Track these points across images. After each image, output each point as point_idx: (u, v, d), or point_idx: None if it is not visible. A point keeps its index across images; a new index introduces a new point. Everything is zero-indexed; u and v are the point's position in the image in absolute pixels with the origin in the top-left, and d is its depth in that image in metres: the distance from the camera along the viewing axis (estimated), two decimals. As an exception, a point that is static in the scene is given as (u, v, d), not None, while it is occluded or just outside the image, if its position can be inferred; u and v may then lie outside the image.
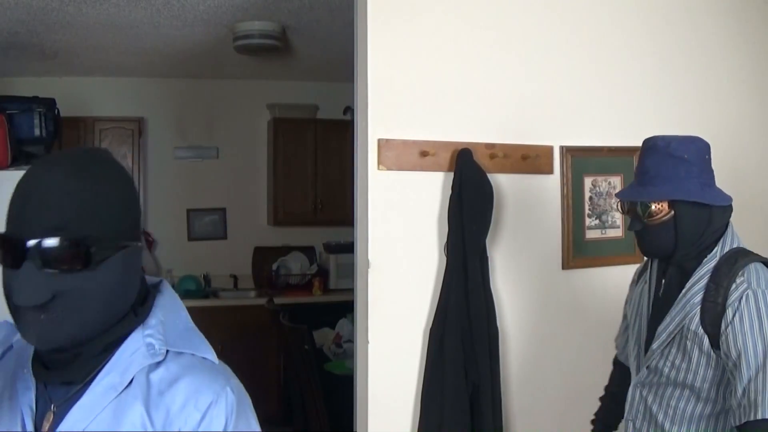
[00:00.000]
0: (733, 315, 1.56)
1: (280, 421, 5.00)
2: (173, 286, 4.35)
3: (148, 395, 1.00)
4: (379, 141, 2.50)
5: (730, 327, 1.56)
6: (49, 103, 3.83)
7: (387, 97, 2.52)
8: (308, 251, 5.75)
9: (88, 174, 0.98)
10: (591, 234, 2.79)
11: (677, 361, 1.66)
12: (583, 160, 2.75)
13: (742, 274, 1.59)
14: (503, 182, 2.65)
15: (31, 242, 0.94)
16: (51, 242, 0.94)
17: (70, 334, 0.97)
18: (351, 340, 3.91)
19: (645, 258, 1.89)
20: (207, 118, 5.65)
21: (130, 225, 1.02)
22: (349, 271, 3.81)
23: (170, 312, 1.09)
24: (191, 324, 1.12)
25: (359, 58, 2.58)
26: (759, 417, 1.49)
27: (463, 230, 2.49)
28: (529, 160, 2.68)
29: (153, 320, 1.06)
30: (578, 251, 2.75)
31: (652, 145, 1.70)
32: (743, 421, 1.51)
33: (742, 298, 1.56)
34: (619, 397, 1.93)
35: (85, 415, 0.98)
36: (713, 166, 1.75)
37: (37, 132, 3.69)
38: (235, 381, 1.06)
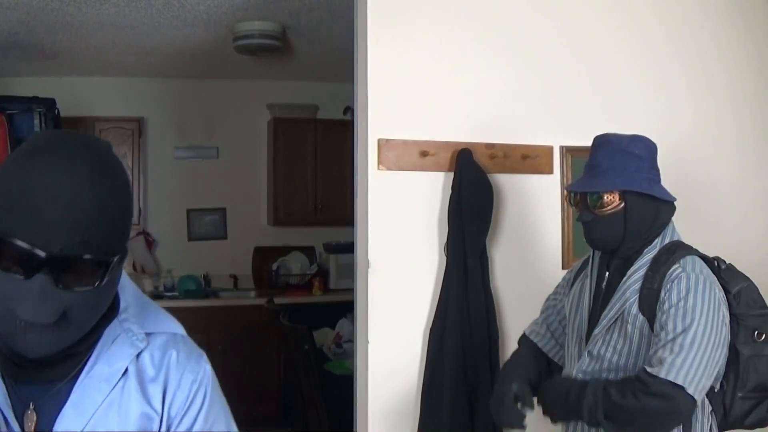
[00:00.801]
0: (666, 294, 1.63)
1: (280, 421, 5.00)
2: (173, 287, 4.37)
3: (144, 383, 1.02)
4: (379, 141, 2.50)
5: (661, 304, 1.63)
6: (49, 103, 3.83)
7: (387, 97, 2.52)
8: (308, 251, 5.75)
9: (108, 178, 0.90)
10: (590, 234, 2.79)
11: (618, 346, 1.71)
12: (583, 160, 2.72)
13: (680, 263, 1.65)
14: (503, 182, 2.66)
15: (48, 255, 0.85)
16: (75, 260, 0.87)
17: (67, 343, 0.93)
18: (351, 340, 3.91)
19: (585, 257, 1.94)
20: (207, 118, 5.65)
21: (130, 229, 0.98)
22: (349, 271, 3.81)
23: (128, 290, 1.06)
24: (145, 296, 1.11)
25: (359, 58, 2.58)
26: (661, 376, 1.55)
27: (463, 230, 2.49)
28: (529, 160, 2.68)
29: (122, 304, 1.04)
30: (578, 251, 2.74)
31: (604, 140, 1.77)
32: (646, 369, 1.58)
33: (675, 279, 1.63)
34: (538, 352, 1.96)
35: (83, 412, 0.96)
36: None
37: (37, 132, 3.70)
38: (203, 353, 1.10)
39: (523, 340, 2.07)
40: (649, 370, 1.58)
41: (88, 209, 0.87)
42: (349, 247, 3.35)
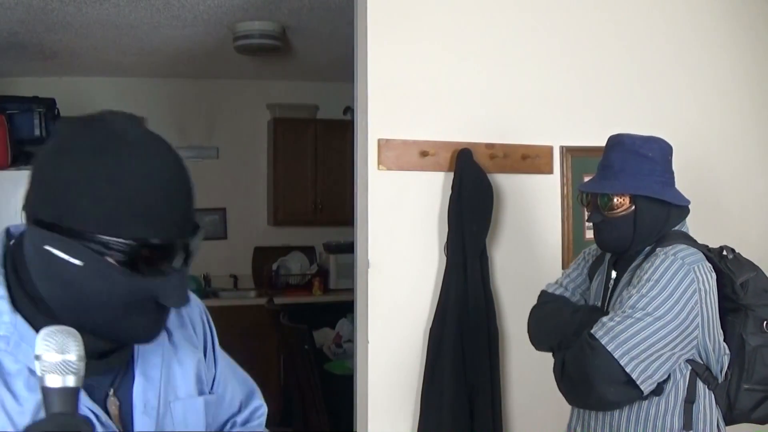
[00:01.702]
0: (639, 273, 1.63)
1: (280, 421, 4.99)
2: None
3: (185, 331, 1.08)
4: (379, 141, 2.50)
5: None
6: (49, 103, 3.83)
7: (387, 97, 2.52)
8: (308, 251, 5.75)
9: (178, 155, 0.92)
10: (591, 234, 2.78)
11: None
12: (583, 160, 2.75)
13: (659, 250, 1.64)
14: (503, 182, 2.66)
15: (185, 245, 0.89)
16: (196, 239, 0.91)
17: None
18: (351, 340, 3.91)
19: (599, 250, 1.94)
20: (207, 118, 5.65)
21: None
22: (349, 271, 3.81)
23: None
24: None
25: (359, 58, 2.58)
26: (595, 334, 1.56)
27: (463, 230, 2.49)
28: (529, 160, 2.68)
29: None
30: (578, 251, 2.73)
31: (618, 141, 1.74)
32: (590, 331, 1.59)
33: (651, 260, 1.62)
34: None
35: (151, 378, 0.99)
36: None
37: (37, 132, 3.71)
38: None
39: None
40: (590, 331, 1.59)
41: (191, 193, 0.91)
42: (349, 247, 3.35)
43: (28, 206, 0.88)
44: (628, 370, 1.53)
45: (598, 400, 1.61)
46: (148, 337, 0.92)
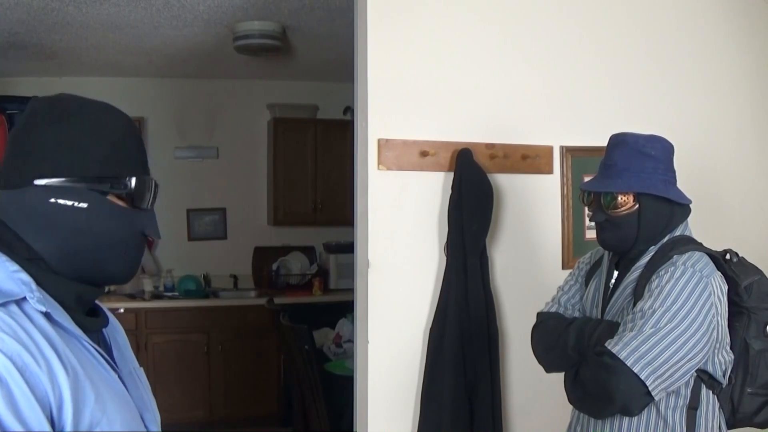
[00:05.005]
0: (653, 280, 1.62)
1: (280, 421, 5.00)
2: (173, 287, 4.42)
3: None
4: (379, 141, 2.50)
5: (646, 291, 1.62)
6: (49, 103, 3.83)
7: (387, 97, 2.52)
8: (308, 251, 5.75)
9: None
10: (591, 234, 2.77)
11: None
12: (583, 160, 2.75)
13: (677, 257, 1.62)
14: (503, 182, 2.66)
15: (152, 180, 1.06)
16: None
17: None
18: (351, 340, 3.90)
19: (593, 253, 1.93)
20: (207, 118, 5.64)
21: None
22: (349, 271, 3.81)
23: None
24: None
25: (359, 58, 2.58)
26: (614, 350, 1.54)
27: (463, 230, 2.49)
28: (529, 160, 2.68)
29: None
30: (578, 251, 2.74)
31: (620, 140, 1.73)
32: (604, 345, 1.58)
33: (666, 269, 1.61)
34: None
35: (119, 343, 1.10)
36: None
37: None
38: None
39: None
40: (606, 343, 1.58)
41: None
42: (349, 247, 3.35)
43: (21, 173, 0.96)
44: (648, 383, 1.52)
45: (616, 413, 1.62)
46: (134, 272, 1.05)
